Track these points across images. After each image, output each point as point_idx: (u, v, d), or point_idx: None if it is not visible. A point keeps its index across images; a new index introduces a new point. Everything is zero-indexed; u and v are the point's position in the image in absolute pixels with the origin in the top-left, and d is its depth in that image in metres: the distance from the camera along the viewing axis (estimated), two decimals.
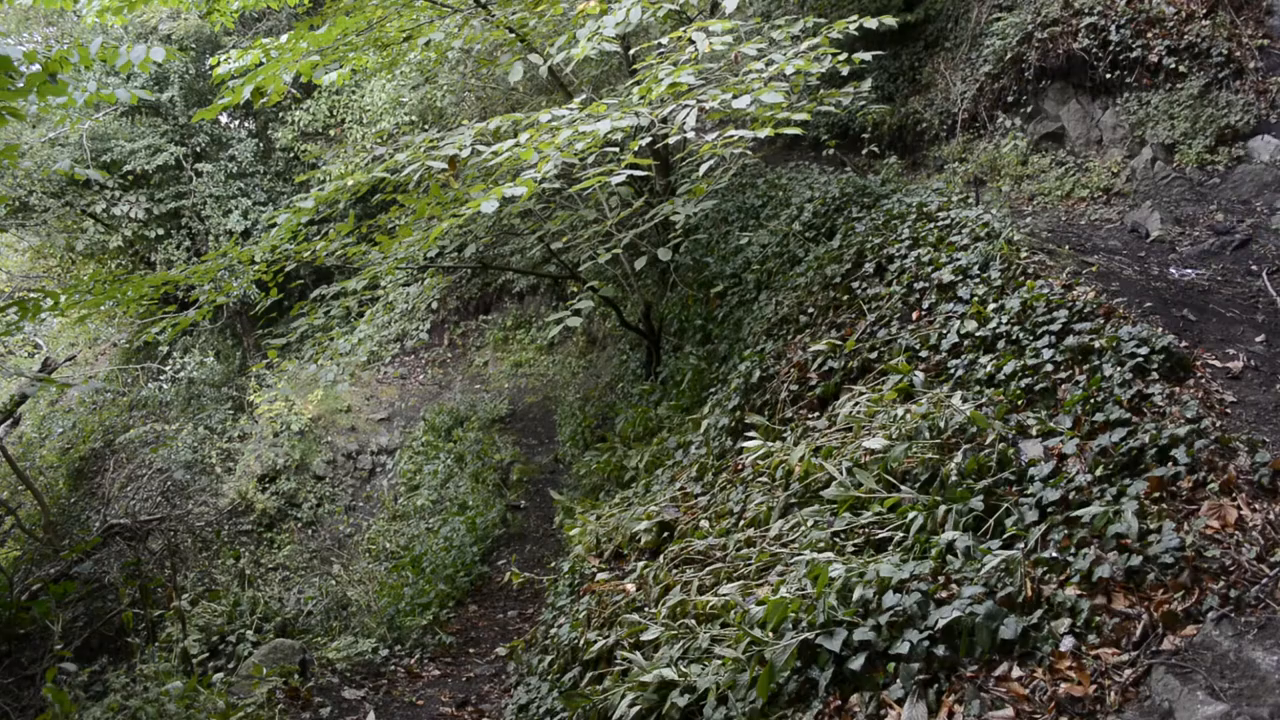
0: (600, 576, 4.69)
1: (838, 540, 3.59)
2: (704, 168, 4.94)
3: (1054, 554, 3.03)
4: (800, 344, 5.43)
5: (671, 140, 4.56)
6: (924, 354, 4.55)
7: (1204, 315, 4.65)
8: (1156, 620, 2.72)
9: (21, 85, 4.45)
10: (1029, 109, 8.35)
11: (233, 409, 13.18)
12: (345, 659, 5.58)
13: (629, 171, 4.63)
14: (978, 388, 4.11)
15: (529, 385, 12.15)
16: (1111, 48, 7.61)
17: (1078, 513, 3.11)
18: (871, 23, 5.19)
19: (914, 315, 4.89)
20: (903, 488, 3.68)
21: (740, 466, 4.74)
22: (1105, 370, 3.74)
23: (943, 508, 3.41)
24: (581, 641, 4.20)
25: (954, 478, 3.54)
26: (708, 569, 3.93)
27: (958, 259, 4.95)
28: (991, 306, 4.45)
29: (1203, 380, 3.81)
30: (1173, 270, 5.70)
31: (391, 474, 11.91)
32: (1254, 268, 5.64)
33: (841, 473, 3.91)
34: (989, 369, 4.13)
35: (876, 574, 3.09)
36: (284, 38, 5.85)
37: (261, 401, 12.08)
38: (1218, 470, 3.16)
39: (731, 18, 5.04)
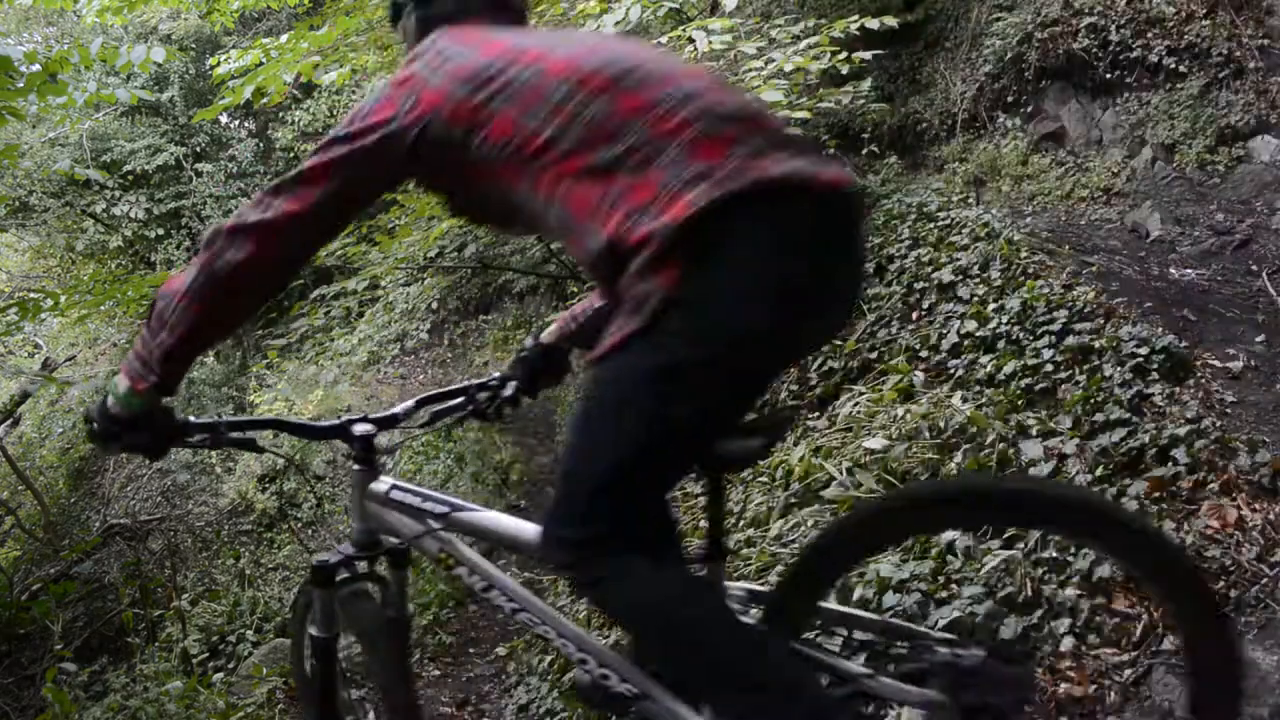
0: None
1: None
2: None
3: (1054, 554, 3.03)
4: None
5: None
6: (924, 354, 4.55)
7: (1204, 315, 4.66)
8: (1156, 620, 2.72)
9: (22, 85, 4.45)
10: (1029, 109, 8.35)
11: (233, 409, 13.19)
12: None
13: None
14: (978, 388, 4.11)
15: None
16: (1111, 48, 7.61)
17: None
18: (873, 23, 5.19)
19: (914, 315, 4.89)
20: (903, 488, 3.68)
21: None
22: (1105, 370, 3.74)
23: None
24: None
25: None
26: None
27: (958, 259, 4.95)
28: (991, 306, 4.45)
29: (1203, 380, 3.81)
30: (1173, 270, 5.69)
31: (392, 474, 11.91)
32: (1254, 268, 5.64)
33: (841, 473, 3.91)
34: (989, 369, 4.12)
35: (876, 574, 3.09)
36: (284, 38, 5.85)
37: (261, 402, 12.07)
38: (1218, 470, 3.16)
39: (731, 17, 5.04)
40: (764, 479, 4.40)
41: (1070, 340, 3.97)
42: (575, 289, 9.65)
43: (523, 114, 1.38)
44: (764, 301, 1.31)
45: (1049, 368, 3.94)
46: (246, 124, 15.00)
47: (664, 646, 1.43)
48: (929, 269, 5.04)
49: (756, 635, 1.49)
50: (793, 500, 4.07)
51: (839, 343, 5.06)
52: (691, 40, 4.72)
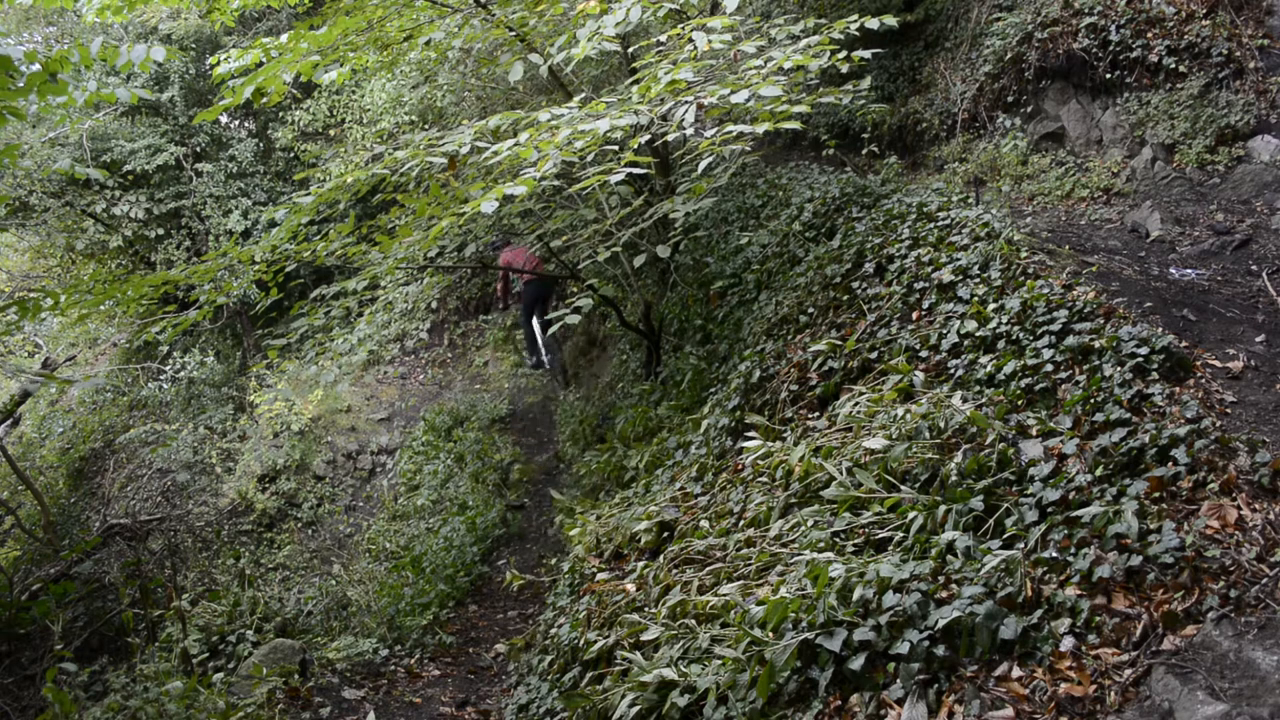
0: (600, 576, 4.69)
1: (838, 540, 3.59)
2: (703, 165, 4.94)
3: (1054, 554, 3.03)
4: (800, 344, 5.43)
5: (671, 138, 4.56)
6: (924, 354, 4.55)
7: (1204, 315, 4.65)
8: (1156, 620, 2.72)
9: (22, 85, 4.45)
10: (1029, 109, 8.35)
11: (233, 409, 13.18)
12: (345, 659, 5.58)
13: (629, 170, 4.62)
14: (978, 388, 4.11)
15: (529, 385, 12.15)
16: (1111, 48, 7.61)
17: (1078, 513, 3.11)
18: (873, 23, 5.18)
19: (914, 315, 4.89)
20: (903, 488, 3.68)
21: (740, 466, 4.74)
22: (1105, 370, 3.74)
23: (943, 508, 3.41)
24: (581, 641, 4.20)
25: (954, 478, 3.54)
26: (708, 569, 3.93)
27: (958, 259, 4.95)
28: (991, 306, 4.45)
29: (1203, 380, 3.81)
30: (1173, 270, 5.69)
31: (391, 474, 11.91)
32: (1254, 268, 5.64)
33: (841, 473, 3.91)
34: (989, 369, 4.13)
35: (876, 574, 3.09)
36: (284, 38, 5.85)
37: (262, 402, 12.08)
38: (1218, 470, 3.16)
39: (731, 17, 5.04)
40: (764, 479, 4.40)
41: (1070, 340, 3.98)
42: (575, 288, 9.64)
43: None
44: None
45: (1049, 368, 3.94)
46: (246, 124, 15.00)
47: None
48: (929, 269, 5.04)
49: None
50: (793, 500, 4.07)
51: (839, 343, 5.06)
52: (691, 40, 4.72)
